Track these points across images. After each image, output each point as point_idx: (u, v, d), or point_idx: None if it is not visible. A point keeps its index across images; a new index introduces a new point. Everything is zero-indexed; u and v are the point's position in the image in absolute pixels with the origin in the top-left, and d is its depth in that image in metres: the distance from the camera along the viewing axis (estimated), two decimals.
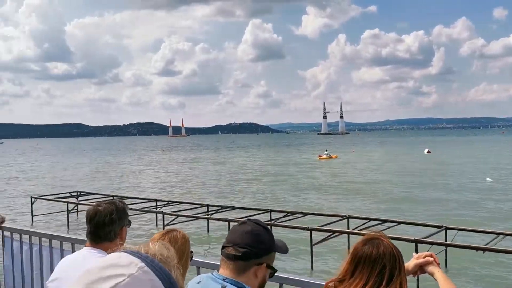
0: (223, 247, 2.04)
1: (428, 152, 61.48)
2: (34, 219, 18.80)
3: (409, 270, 2.20)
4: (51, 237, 4.09)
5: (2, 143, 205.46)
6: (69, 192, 21.06)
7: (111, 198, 19.62)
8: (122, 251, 1.02)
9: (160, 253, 1.08)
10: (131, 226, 2.87)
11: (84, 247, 2.73)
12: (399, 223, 13.68)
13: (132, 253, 1.01)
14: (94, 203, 3.14)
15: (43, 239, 4.17)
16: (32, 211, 18.87)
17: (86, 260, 2.51)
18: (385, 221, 13.69)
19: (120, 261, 0.98)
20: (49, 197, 19.85)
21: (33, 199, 19.02)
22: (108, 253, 1.03)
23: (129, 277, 0.95)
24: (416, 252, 2.61)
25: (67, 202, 18.40)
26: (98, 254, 2.56)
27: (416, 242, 10.41)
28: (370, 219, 14.06)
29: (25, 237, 4.36)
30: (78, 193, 20.69)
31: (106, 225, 2.63)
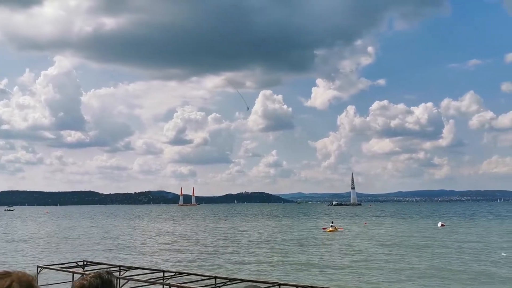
0: None
1: (442, 225, 60.15)
2: None
3: None
4: None
5: (13, 210, 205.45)
6: (76, 262, 20.80)
7: (118, 268, 19.34)
8: None
9: None
10: None
11: None
12: None
13: None
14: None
15: None
16: (37, 281, 18.55)
17: None
18: None
19: None
20: (55, 267, 19.61)
21: (39, 269, 18.81)
22: None
23: None
24: None
25: (73, 272, 18.13)
26: None
27: None
28: None
29: None
30: (85, 263, 20.43)
31: None
